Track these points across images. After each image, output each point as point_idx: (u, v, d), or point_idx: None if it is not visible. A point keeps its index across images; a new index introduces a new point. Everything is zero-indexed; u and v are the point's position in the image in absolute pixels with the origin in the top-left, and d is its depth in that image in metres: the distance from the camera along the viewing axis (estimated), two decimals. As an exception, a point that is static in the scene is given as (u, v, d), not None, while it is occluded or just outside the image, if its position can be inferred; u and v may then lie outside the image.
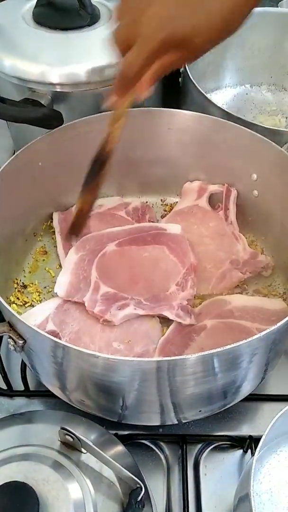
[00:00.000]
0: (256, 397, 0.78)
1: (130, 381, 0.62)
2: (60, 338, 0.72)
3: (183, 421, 0.74)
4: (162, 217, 0.97)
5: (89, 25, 0.90)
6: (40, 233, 0.93)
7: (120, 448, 0.63)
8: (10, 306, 0.65)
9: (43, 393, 0.78)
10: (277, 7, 1.22)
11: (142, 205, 0.96)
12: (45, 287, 0.87)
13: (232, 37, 1.12)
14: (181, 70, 0.99)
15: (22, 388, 0.80)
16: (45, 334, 0.60)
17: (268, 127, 0.87)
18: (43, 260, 0.91)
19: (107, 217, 0.93)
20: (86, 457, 0.59)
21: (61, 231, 0.90)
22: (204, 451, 0.74)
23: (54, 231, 0.92)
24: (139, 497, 0.55)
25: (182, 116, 0.89)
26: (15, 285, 0.85)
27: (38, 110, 0.82)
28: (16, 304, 0.83)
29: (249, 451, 0.73)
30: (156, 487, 0.70)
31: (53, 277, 0.88)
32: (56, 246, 0.91)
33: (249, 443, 0.73)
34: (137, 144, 0.91)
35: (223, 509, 0.69)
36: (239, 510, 0.61)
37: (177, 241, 0.86)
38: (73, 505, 0.54)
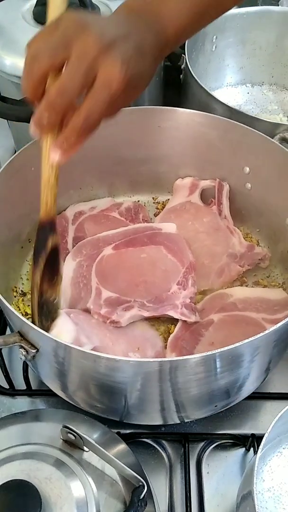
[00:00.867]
0: (258, 395, 0.78)
1: (133, 382, 0.62)
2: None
3: (186, 420, 0.74)
4: (155, 215, 0.96)
5: (89, 24, 0.89)
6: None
7: (122, 446, 0.62)
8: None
9: (45, 392, 0.78)
10: (278, 5, 1.22)
11: (134, 205, 0.95)
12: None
13: (233, 36, 1.13)
14: (182, 67, 0.99)
15: (24, 387, 0.79)
16: (60, 341, 0.59)
17: (272, 121, 0.88)
18: (40, 266, 0.90)
19: (100, 219, 0.93)
20: (89, 456, 0.59)
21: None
22: (206, 450, 0.74)
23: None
24: (142, 495, 0.54)
25: (172, 113, 0.89)
26: (15, 293, 0.85)
27: (39, 109, 0.81)
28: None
29: (252, 449, 0.73)
30: (159, 486, 0.70)
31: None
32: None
33: (251, 442, 0.73)
34: (127, 143, 0.91)
35: (226, 507, 0.69)
36: (242, 508, 0.60)
37: (174, 240, 0.86)
38: (75, 503, 0.54)
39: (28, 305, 0.84)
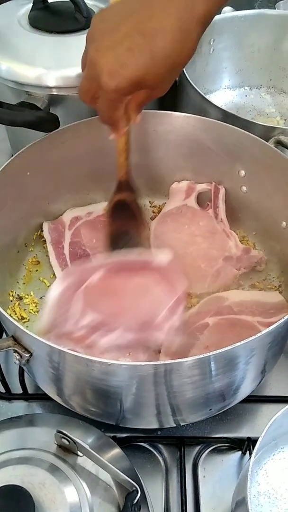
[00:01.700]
0: (255, 399, 0.78)
1: (128, 385, 0.62)
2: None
3: (181, 424, 0.74)
4: (152, 219, 0.96)
5: (84, 29, 0.89)
6: (32, 244, 0.92)
7: (117, 451, 0.62)
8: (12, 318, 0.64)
9: (41, 396, 0.78)
10: (274, 8, 1.22)
11: None
12: (41, 298, 0.86)
13: (230, 38, 1.13)
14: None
15: (20, 391, 0.80)
16: (53, 345, 0.59)
17: (267, 124, 0.88)
18: (36, 270, 0.90)
19: (97, 224, 0.92)
20: (83, 460, 0.59)
21: (52, 241, 0.90)
22: (202, 453, 0.74)
23: (45, 241, 0.92)
24: (135, 500, 0.55)
25: (167, 117, 0.89)
26: (11, 298, 0.85)
27: (34, 114, 0.82)
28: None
29: (248, 453, 0.73)
30: (155, 490, 0.70)
31: (48, 286, 0.87)
32: (48, 256, 0.90)
33: (247, 445, 0.73)
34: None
35: (222, 511, 0.69)
36: (237, 512, 0.60)
37: (167, 269, 0.82)
38: (69, 509, 0.54)
39: (25, 309, 0.84)
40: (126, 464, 0.61)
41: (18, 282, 0.88)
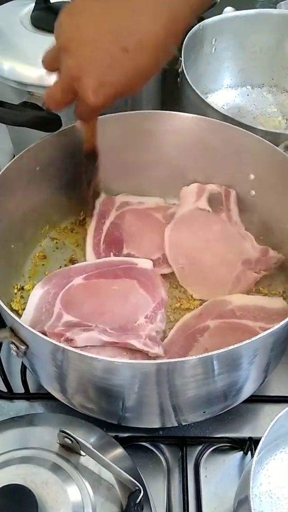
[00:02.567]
0: (257, 399, 0.78)
1: (130, 384, 0.62)
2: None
3: (183, 423, 0.74)
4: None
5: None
6: (39, 238, 0.92)
7: (119, 450, 0.63)
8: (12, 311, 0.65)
9: (43, 396, 0.78)
10: (276, 8, 1.22)
11: None
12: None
13: (232, 38, 1.13)
14: (179, 71, 0.99)
15: (22, 390, 0.80)
16: (48, 339, 0.59)
17: (268, 129, 0.87)
18: (43, 264, 0.90)
19: (143, 215, 0.93)
20: (85, 460, 0.59)
21: (98, 213, 0.93)
22: (204, 453, 0.74)
23: (52, 237, 0.93)
24: (138, 500, 0.55)
25: (178, 118, 0.89)
26: (15, 290, 0.85)
27: (37, 114, 0.81)
28: (17, 312, 0.83)
29: (250, 453, 0.73)
30: (156, 489, 0.70)
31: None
32: (54, 251, 0.91)
33: (249, 445, 0.73)
34: (133, 146, 0.91)
35: (224, 511, 0.69)
36: (239, 512, 0.61)
37: (148, 275, 0.84)
38: (72, 508, 0.54)
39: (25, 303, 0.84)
40: (129, 463, 0.61)
41: (23, 275, 0.88)
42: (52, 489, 0.55)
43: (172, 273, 0.87)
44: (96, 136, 0.80)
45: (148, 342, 0.74)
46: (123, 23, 0.56)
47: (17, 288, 0.86)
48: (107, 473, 0.58)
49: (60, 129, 0.83)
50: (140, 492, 0.55)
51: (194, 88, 0.92)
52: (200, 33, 1.09)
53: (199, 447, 0.75)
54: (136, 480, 0.56)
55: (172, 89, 1.05)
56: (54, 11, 0.91)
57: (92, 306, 0.79)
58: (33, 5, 0.92)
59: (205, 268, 0.86)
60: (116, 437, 0.68)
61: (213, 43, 1.15)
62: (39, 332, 0.72)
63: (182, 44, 0.99)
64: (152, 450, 0.74)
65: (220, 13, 1.13)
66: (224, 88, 1.24)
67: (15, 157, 0.80)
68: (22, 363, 0.80)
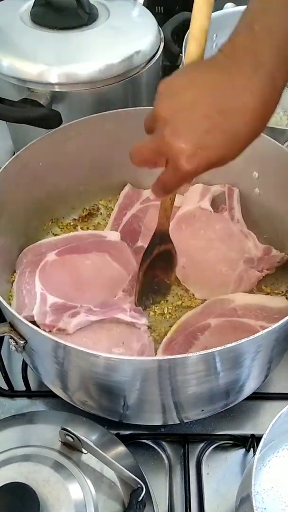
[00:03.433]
0: (259, 396, 0.78)
1: (132, 381, 0.62)
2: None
3: (185, 421, 0.74)
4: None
5: (87, 25, 0.90)
6: (41, 234, 0.92)
7: (121, 448, 0.62)
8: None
9: (44, 393, 0.78)
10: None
11: None
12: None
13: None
14: (180, 67, 0.99)
15: (23, 388, 0.80)
16: (46, 334, 0.60)
17: (269, 125, 0.86)
18: (45, 260, 0.90)
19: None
20: (87, 458, 0.59)
21: (120, 204, 0.94)
22: (206, 450, 0.74)
23: (54, 233, 0.93)
24: (140, 497, 0.55)
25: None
26: (15, 284, 0.85)
27: (37, 110, 0.82)
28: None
29: (252, 450, 0.73)
30: (158, 487, 0.70)
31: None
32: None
33: (251, 442, 0.73)
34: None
35: (226, 508, 0.69)
36: (241, 509, 0.60)
37: (118, 248, 0.85)
38: (74, 506, 0.54)
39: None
40: (131, 461, 0.61)
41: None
42: (54, 487, 0.55)
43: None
44: (169, 218, 0.77)
45: (134, 314, 0.77)
46: (221, 86, 0.53)
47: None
48: (109, 471, 0.58)
49: (62, 126, 0.83)
50: (142, 490, 0.55)
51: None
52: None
53: (201, 445, 0.75)
54: (138, 477, 0.56)
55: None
56: (54, 7, 0.91)
57: (71, 283, 0.81)
58: (32, 1, 0.92)
59: (207, 267, 0.86)
60: (117, 435, 0.68)
61: (213, 39, 1.14)
62: (27, 316, 0.75)
63: (183, 40, 0.98)
64: (154, 447, 0.74)
65: (221, 8, 1.12)
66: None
67: (16, 154, 0.80)
68: (23, 360, 0.80)
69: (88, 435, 0.62)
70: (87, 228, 0.94)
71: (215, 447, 0.75)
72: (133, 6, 0.97)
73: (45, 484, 0.55)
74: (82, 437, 0.57)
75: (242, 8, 1.14)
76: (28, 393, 0.79)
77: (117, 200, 0.96)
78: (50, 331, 0.75)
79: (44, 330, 0.72)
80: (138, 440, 0.74)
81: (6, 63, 0.85)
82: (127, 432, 0.73)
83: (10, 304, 0.80)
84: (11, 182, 0.79)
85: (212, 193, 0.93)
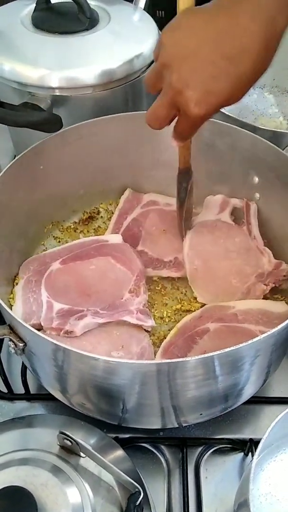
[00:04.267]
0: (258, 400, 0.78)
1: (131, 384, 0.62)
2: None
3: (184, 425, 0.74)
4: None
5: (88, 29, 0.90)
6: (42, 237, 0.92)
7: (119, 452, 0.63)
8: (11, 309, 0.65)
9: (43, 397, 0.78)
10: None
11: None
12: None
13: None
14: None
15: (22, 391, 0.80)
16: (45, 337, 0.60)
17: (270, 129, 0.87)
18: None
19: (168, 216, 0.93)
20: (85, 461, 0.59)
21: (121, 208, 0.94)
22: (204, 454, 0.74)
23: (55, 237, 0.93)
24: (138, 501, 0.55)
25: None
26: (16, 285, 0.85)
27: (37, 114, 0.82)
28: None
29: (250, 454, 0.73)
30: (157, 491, 0.70)
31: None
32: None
33: (249, 446, 0.73)
34: (136, 148, 0.92)
35: (224, 512, 0.69)
36: (239, 514, 0.60)
37: (121, 249, 0.86)
38: (71, 510, 0.54)
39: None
40: (129, 465, 0.61)
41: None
42: (52, 491, 0.55)
43: (179, 278, 0.87)
44: (190, 155, 0.81)
45: (141, 316, 0.77)
46: (222, 30, 0.55)
47: (17, 282, 0.85)
48: (107, 474, 0.58)
49: (61, 130, 0.83)
50: (140, 494, 0.55)
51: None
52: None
53: (200, 448, 0.75)
54: (136, 481, 0.56)
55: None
56: (55, 11, 0.91)
57: (77, 290, 0.81)
58: (34, 5, 0.92)
59: (219, 276, 0.86)
60: (116, 438, 0.68)
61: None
62: (35, 324, 0.75)
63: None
64: (152, 451, 0.74)
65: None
66: (225, 89, 1.23)
67: (17, 157, 0.80)
68: (23, 363, 0.80)
69: (86, 438, 0.62)
70: (88, 231, 0.94)
71: (214, 451, 0.75)
72: (134, 11, 0.98)
73: (43, 488, 0.55)
74: (80, 441, 0.57)
75: None
76: (27, 396, 0.79)
77: (118, 203, 0.96)
78: (58, 334, 0.75)
79: (51, 334, 0.75)
80: (137, 443, 0.74)
81: (7, 67, 0.85)
82: (126, 436, 0.74)
83: (10, 307, 0.81)
84: (12, 185, 0.79)
85: (232, 206, 0.93)
